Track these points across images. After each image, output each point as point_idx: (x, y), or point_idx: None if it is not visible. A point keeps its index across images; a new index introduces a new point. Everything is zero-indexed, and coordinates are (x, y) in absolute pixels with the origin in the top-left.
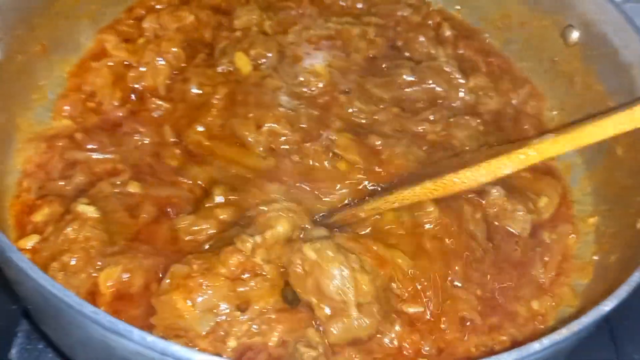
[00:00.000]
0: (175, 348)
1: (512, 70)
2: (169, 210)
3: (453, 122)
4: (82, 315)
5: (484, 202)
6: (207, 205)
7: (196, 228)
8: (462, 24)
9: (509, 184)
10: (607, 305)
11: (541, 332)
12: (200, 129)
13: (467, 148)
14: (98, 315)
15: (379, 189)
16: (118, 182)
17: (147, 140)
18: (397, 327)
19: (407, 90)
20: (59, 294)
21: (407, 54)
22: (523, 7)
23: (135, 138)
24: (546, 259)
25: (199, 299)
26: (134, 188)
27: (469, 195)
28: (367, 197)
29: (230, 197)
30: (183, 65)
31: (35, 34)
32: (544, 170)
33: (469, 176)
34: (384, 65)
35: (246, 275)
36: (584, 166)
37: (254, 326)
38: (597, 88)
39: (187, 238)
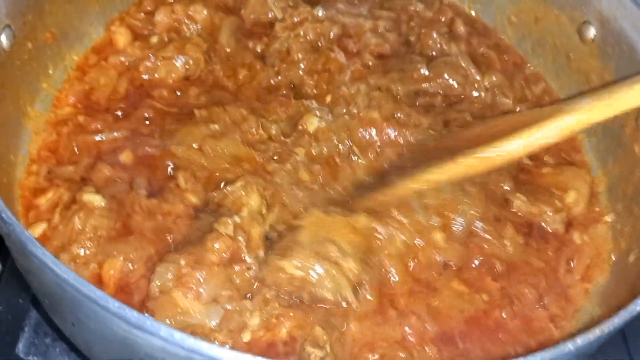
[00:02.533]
0: (203, 345)
1: (526, 67)
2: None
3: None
4: (106, 310)
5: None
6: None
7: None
8: (475, 20)
9: (533, 185)
10: None
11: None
12: None
13: None
14: (123, 310)
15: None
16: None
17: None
18: None
19: (423, 85)
20: (82, 288)
21: (419, 49)
22: (538, 3)
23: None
24: (574, 261)
25: (201, 291)
26: (126, 157)
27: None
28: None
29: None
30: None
31: (45, 21)
32: (567, 162)
33: (505, 149)
34: (396, 61)
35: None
36: (598, 163)
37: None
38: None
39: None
